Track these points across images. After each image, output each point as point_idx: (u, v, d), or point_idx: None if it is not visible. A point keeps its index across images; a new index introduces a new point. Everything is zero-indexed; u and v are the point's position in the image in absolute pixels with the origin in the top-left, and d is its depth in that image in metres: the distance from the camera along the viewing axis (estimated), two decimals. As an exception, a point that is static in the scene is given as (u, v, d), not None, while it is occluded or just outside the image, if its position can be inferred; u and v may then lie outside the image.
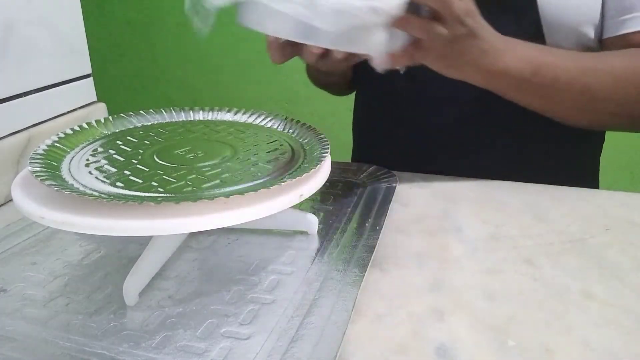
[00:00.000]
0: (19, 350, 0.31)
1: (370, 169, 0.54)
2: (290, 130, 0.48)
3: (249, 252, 0.41)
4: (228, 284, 0.37)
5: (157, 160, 0.41)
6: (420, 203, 0.50)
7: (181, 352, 0.30)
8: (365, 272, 0.37)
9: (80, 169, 0.39)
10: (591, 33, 0.52)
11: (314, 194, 0.49)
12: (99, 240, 0.43)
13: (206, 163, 0.41)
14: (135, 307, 0.35)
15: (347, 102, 0.77)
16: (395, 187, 0.50)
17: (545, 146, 0.57)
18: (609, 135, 0.62)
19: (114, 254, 0.41)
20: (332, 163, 0.58)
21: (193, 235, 0.43)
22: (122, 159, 0.41)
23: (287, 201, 0.35)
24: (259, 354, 0.30)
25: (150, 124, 0.49)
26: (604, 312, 0.34)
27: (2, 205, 0.53)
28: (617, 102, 0.48)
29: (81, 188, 0.35)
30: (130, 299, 0.34)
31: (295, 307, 0.34)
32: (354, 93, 0.72)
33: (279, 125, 0.49)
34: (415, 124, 0.60)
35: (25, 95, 0.57)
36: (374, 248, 0.40)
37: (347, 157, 0.71)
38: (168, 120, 0.51)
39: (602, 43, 0.52)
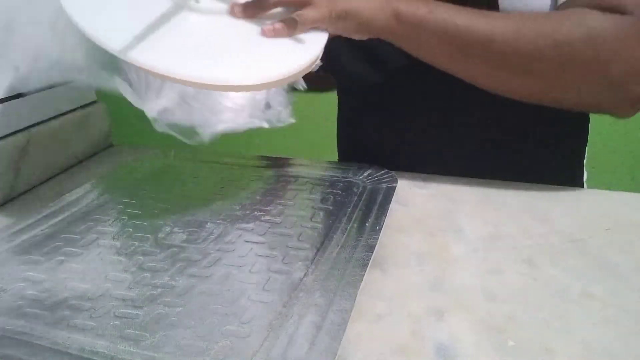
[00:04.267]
0: (19, 350, 0.31)
1: (370, 169, 0.54)
2: None
3: (249, 252, 0.41)
4: (228, 282, 0.37)
5: None
6: (420, 203, 0.50)
7: (181, 351, 0.30)
8: (365, 272, 0.37)
9: None
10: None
11: (314, 194, 0.49)
12: (98, 239, 0.43)
13: None
14: (135, 306, 0.35)
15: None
16: (395, 187, 0.50)
17: (536, 144, 0.57)
18: (609, 136, 0.62)
19: (113, 253, 0.41)
20: (333, 163, 0.58)
21: (194, 233, 0.43)
22: None
23: None
24: (259, 353, 0.30)
25: None
26: (604, 312, 0.34)
27: (2, 205, 0.53)
28: (523, 56, 0.43)
29: None
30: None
31: (296, 306, 0.34)
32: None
33: None
34: (413, 124, 0.60)
35: (25, 95, 0.57)
36: (374, 248, 0.40)
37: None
38: None
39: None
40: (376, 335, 0.32)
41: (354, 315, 0.33)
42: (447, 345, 0.31)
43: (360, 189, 0.51)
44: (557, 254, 0.41)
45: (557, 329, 0.33)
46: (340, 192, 0.50)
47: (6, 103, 0.54)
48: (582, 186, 0.62)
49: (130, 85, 0.42)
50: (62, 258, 0.40)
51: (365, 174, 0.54)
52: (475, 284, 0.37)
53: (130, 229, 0.44)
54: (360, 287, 0.35)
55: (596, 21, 0.42)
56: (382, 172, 0.53)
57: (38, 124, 0.59)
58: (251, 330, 0.32)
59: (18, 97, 0.56)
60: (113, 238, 0.43)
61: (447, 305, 0.35)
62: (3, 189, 0.53)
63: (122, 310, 0.34)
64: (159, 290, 0.36)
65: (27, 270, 0.39)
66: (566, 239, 0.43)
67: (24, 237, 0.43)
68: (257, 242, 0.42)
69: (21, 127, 0.56)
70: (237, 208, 0.48)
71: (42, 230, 0.44)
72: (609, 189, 0.52)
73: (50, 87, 0.60)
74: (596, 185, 0.55)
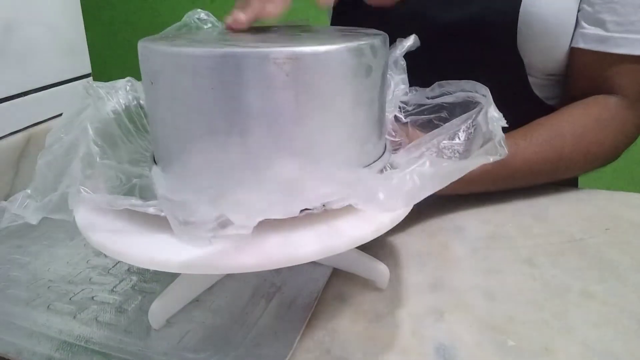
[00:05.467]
0: (1, 329, 0.32)
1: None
2: None
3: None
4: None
5: None
6: (420, 203, 0.49)
7: (151, 335, 0.31)
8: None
9: None
10: (566, 43, 0.51)
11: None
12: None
13: None
14: (113, 291, 0.36)
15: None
16: (395, 187, 0.50)
17: None
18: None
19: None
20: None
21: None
22: None
23: None
24: (224, 339, 0.31)
25: None
26: (604, 312, 0.34)
27: (2, 205, 0.53)
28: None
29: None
30: (156, 322, 0.32)
31: (263, 295, 0.35)
32: None
33: None
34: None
35: (25, 95, 0.57)
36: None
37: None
38: None
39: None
40: (376, 335, 0.32)
41: (353, 315, 0.33)
42: (447, 345, 0.31)
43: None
44: (557, 254, 0.41)
45: (557, 329, 0.33)
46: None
47: (6, 103, 0.54)
48: (576, 186, 0.63)
49: None
50: (48, 243, 0.42)
51: (365, 174, 0.54)
52: (475, 284, 0.37)
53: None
54: (359, 283, 0.35)
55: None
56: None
57: (38, 123, 0.59)
58: (220, 317, 0.33)
59: (18, 97, 0.56)
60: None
61: (447, 305, 0.35)
62: (3, 189, 0.53)
63: (100, 294, 0.35)
64: (137, 276, 0.37)
65: (14, 252, 0.40)
66: (566, 239, 0.43)
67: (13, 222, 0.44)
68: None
69: (21, 127, 0.56)
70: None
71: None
72: (609, 189, 0.52)
73: (51, 86, 0.60)
74: (596, 185, 0.55)
